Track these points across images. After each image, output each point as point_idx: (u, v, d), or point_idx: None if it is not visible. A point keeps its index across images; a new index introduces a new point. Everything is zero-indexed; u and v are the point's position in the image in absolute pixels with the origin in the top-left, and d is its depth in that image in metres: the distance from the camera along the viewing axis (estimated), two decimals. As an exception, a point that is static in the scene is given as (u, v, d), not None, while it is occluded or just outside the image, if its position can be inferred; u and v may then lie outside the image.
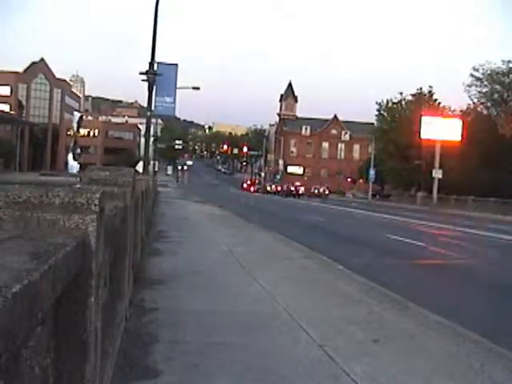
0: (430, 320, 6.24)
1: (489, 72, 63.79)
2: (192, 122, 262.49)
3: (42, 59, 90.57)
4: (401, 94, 72.71)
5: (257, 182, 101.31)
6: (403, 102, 72.36)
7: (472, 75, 64.64)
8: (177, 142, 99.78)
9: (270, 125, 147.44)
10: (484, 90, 65.20)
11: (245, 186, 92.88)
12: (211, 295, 6.78)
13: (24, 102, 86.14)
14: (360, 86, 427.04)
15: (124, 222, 4.49)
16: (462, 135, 54.11)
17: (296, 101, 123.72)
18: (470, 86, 65.30)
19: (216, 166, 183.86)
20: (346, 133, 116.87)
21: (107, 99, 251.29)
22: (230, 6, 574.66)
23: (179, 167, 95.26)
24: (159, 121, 65.62)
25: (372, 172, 71.64)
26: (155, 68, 21.56)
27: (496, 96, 64.79)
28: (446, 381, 4.33)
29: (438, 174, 53.73)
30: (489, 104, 65.89)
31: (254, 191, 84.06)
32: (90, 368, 2.07)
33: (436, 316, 6.44)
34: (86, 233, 2.04)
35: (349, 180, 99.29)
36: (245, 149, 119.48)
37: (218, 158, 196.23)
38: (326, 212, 34.95)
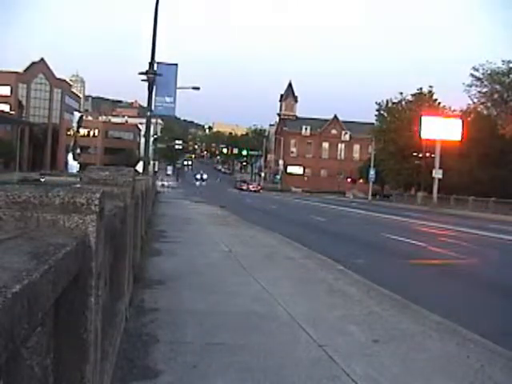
0: (430, 320, 6.24)
1: (489, 72, 63.79)
2: (192, 122, 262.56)
3: (42, 59, 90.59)
4: (401, 93, 72.79)
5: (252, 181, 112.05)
6: (403, 102, 72.32)
7: (472, 75, 64.67)
8: (177, 141, 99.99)
9: (270, 125, 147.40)
10: (484, 90, 65.20)
11: (244, 186, 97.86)
12: (211, 295, 6.77)
13: (24, 102, 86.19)
14: (360, 85, 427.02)
15: (124, 222, 4.49)
16: (461, 135, 54.04)
17: (296, 101, 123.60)
18: (470, 86, 65.32)
19: (216, 166, 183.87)
20: (346, 133, 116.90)
21: (107, 99, 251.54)
22: (230, 5, 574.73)
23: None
24: (159, 121, 65.65)
25: (372, 172, 71.62)
26: (155, 68, 21.58)
27: (496, 96, 64.78)
28: (446, 381, 4.33)
29: (437, 173, 53.73)
30: (489, 104, 65.84)
31: (250, 190, 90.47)
32: (90, 368, 2.07)
33: (436, 316, 6.44)
34: (86, 233, 2.04)
35: (349, 180, 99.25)
36: (244, 152, 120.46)
37: (218, 157, 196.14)
38: (326, 212, 34.94)
